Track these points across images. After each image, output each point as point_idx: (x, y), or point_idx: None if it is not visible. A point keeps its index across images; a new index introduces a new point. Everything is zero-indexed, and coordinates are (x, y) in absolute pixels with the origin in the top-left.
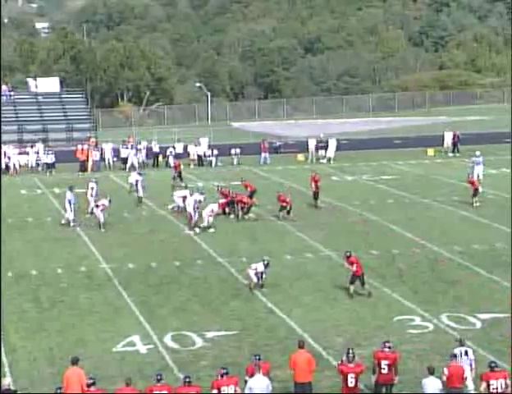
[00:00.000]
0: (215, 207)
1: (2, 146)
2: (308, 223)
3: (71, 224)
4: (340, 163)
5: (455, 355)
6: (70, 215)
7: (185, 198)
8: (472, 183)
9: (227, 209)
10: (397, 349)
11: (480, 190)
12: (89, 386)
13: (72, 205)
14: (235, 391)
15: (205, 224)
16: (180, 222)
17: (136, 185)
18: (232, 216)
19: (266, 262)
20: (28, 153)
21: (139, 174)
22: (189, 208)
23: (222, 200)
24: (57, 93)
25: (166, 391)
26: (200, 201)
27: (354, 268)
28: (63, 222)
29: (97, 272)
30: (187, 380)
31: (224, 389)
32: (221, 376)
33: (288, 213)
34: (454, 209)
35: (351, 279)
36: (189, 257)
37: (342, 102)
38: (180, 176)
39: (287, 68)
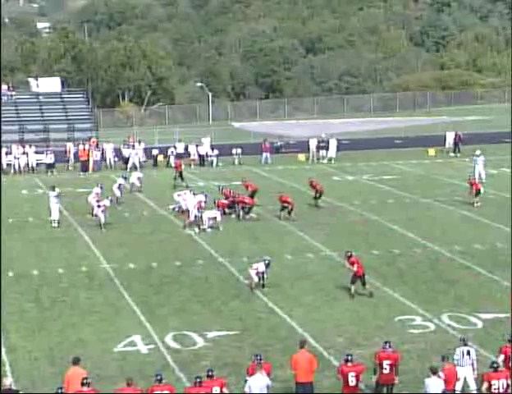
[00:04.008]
0: (218, 215)
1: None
2: (309, 223)
3: (55, 224)
4: (341, 163)
5: (448, 357)
6: (56, 215)
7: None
8: (472, 184)
9: (227, 210)
10: (398, 349)
11: (482, 190)
12: (82, 385)
13: (57, 204)
14: (222, 391)
15: (205, 226)
16: (181, 221)
17: (119, 188)
18: (233, 216)
19: (267, 262)
20: (27, 153)
21: (124, 178)
22: (190, 207)
23: (223, 200)
24: (58, 93)
25: (167, 391)
26: (203, 202)
27: (355, 268)
28: (53, 224)
29: (97, 272)
30: (198, 380)
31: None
32: (207, 377)
33: (289, 213)
34: (455, 209)
35: (352, 279)
36: (189, 257)
37: (343, 102)
38: (181, 175)
39: (288, 68)
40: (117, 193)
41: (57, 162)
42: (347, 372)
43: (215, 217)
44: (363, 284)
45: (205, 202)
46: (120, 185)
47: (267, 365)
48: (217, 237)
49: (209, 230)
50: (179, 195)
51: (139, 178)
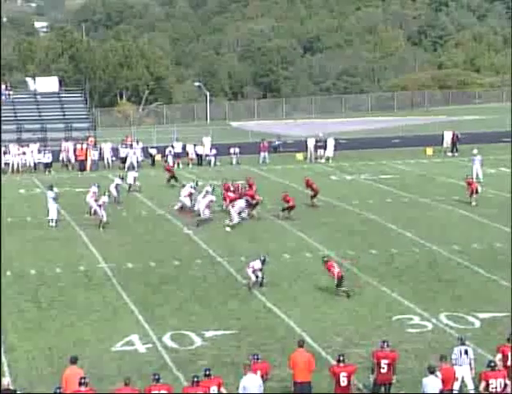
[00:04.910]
0: (242, 203)
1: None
2: (307, 223)
3: (53, 224)
4: (339, 163)
5: (446, 357)
6: (54, 214)
7: (190, 195)
8: (470, 183)
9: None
10: (396, 348)
11: (479, 189)
12: (80, 384)
13: (55, 204)
14: (219, 391)
15: (235, 222)
16: (179, 221)
17: (116, 188)
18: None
19: (263, 258)
20: (25, 153)
21: (121, 178)
22: (201, 206)
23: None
24: (55, 93)
25: (165, 390)
26: (212, 201)
27: (336, 272)
28: (51, 224)
29: (96, 272)
30: (195, 380)
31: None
32: (204, 376)
33: (289, 212)
34: (454, 209)
35: (337, 282)
36: (188, 256)
37: (341, 101)
38: (173, 177)
39: (286, 67)
40: (114, 193)
41: (53, 161)
42: (339, 372)
43: (240, 207)
44: (339, 286)
45: (213, 201)
46: (117, 185)
47: (265, 365)
48: (215, 236)
49: (228, 229)
50: (185, 197)
51: (135, 178)
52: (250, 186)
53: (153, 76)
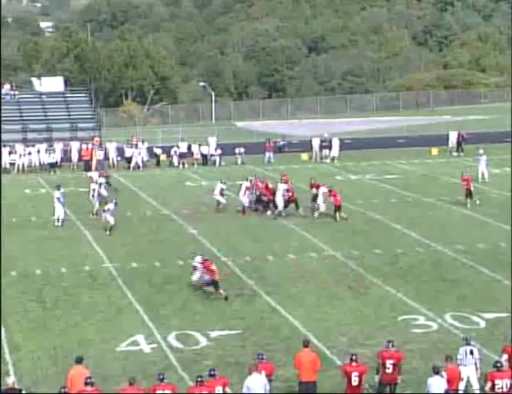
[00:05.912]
0: (324, 189)
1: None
2: (312, 222)
3: (59, 223)
4: (343, 163)
5: (451, 357)
6: (60, 214)
7: (222, 191)
8: (466, 180)
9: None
10: (401, 348)
11: (472, 188)
12: (86, 384)
13: (61, 203)
14: (224, 391)
15: (322, 210)
16: (185, 222)
17: (100, 186)
18: (269, 212)
19: (193, 255)
20: (30, 153)
21: (105, 177)
22: (278, 199)
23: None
24: (61, 93)
25: (169, 390)
26: (288, 190)
27: (214, 269)
28: (56, 223)
29: (100, 272)
30: (199, 380)
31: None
32: (209, 376)
33: (339, 211)
34: (458, 209)
35: (213, 284)
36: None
37: (346, 101)
38: (107, 182)
39: (291, 67)
40: (104, 193)
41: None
42: (350, 372)
43: (323, 192)
44: (216, 288)
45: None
46: (101, 184)
47: (270, 365)
48: (219, 236)
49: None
50: (219, 195)
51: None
52: (286, 183)
53: (157, 76)
